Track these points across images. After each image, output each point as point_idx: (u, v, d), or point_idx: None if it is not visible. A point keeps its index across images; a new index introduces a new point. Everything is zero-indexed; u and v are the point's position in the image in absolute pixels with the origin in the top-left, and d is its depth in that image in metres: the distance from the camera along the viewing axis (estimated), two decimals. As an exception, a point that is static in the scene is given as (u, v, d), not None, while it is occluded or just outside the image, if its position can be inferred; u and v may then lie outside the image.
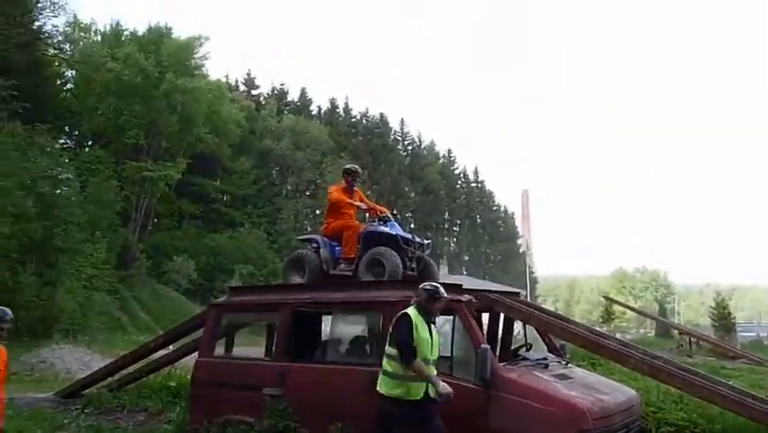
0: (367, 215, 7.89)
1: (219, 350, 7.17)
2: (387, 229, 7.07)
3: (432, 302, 5.07)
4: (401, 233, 7.11)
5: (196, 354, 7.24)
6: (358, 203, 7.56)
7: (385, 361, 5.00)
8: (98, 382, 9.47)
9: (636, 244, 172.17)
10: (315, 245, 7.38)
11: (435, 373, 4.99)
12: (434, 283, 5.26)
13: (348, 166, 8.07)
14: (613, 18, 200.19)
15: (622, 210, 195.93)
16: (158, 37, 38.98)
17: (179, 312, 30.64)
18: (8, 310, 4.92)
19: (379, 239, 6.96)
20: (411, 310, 5.03)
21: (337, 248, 7.28)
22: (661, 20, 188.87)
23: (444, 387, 4.78)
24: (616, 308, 44.10)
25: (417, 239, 7.30)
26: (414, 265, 7.10)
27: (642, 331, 51.84)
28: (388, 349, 4.99)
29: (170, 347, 9.93)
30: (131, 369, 9.56)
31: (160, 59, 36.95)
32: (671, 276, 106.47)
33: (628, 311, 50.10)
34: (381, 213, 7.49)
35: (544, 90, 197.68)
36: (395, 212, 7.77)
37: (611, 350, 6.03)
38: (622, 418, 5.18)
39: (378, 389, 4.99)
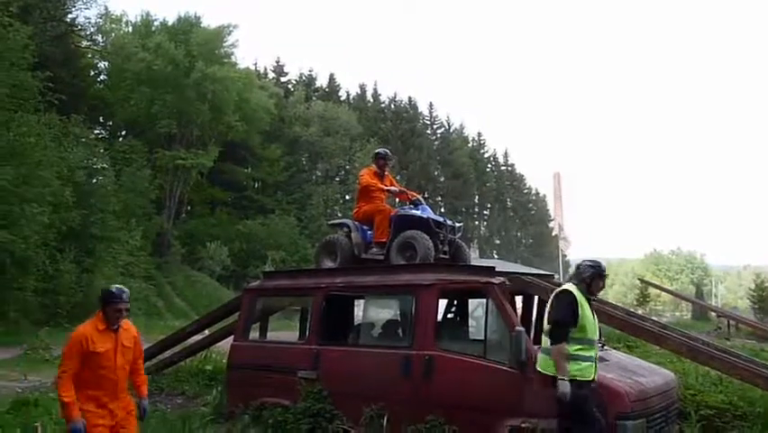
0: (397, 199, 7.87)
1: (254, 334, 7.26)
2: (418, 212, 7.03)
3: (596, 279, 4.82)
4: (432, 216, 7.06)
5: (231, 339, 7.35)
6: (389, 186, 7.51)
7: (547, 340, 4.75)
8: (137, 366, 9.67)
9: (671, 226, 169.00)
10: (346, 230, 7.39)
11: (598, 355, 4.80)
12: (596, 259, 5.00)
13: (379, 149, 8.04)
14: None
15: (656, 192, 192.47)
16: (187, 26, 39.19)
17: (214, 298, 31.11)
18: (125, 288, 4.54)
19: (411, 223, 6.92)
20: (572, 287, 4.79)
21: (368, 232, 7.27)
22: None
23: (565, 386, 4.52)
24: (651, 290, 43.42)
25: (449, 222, 7.25)
26: (446, 248, 7.05)
27: (677, 314, 50.87)
28: (547, 327, 4.78)
29: (206, 332, 10.09)
30: (168, 353, 9.75)
31: (190, 48, 37.16)
32: (707, 258, 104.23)
33: (663, 294, 49.28)
34: (412, 197, 7.46)
35: (575, 72, 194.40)
36: (426, 195, 7.70)
37: (650, 332, 5.94)
38: (660, 400, 5.10)
39: (540, 369, 4.73)
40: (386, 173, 7.70)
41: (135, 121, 38.39)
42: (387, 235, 7.02)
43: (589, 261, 4.94)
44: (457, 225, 7.40)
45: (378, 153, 7.84)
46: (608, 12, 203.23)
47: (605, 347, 6.19)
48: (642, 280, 44.08)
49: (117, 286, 4.54)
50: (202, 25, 40.04)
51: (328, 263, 7.25)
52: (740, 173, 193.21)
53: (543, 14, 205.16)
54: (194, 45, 37.45)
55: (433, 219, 6.97)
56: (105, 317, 4.41)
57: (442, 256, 6.89)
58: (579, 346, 4.64)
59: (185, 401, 8.35)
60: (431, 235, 6.74)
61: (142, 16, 40.29)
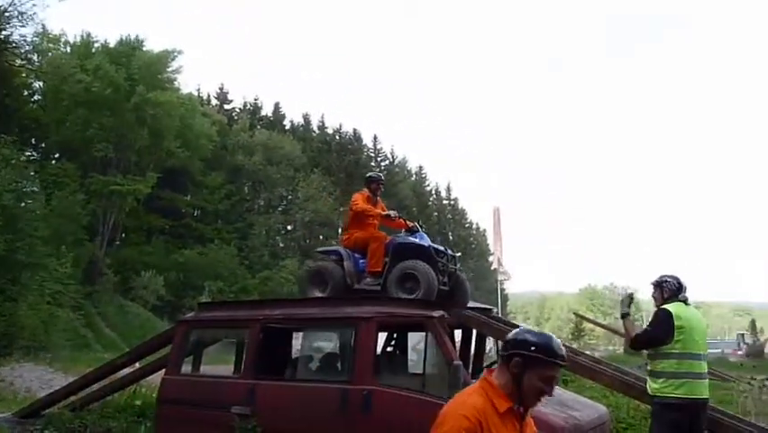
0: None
1: (187, 368, 6.99)
2: (417, 240, 6.64)
3: None
4: (433, 244, 6.68)
5: (162, 372, 7.06)
6: (389, 212, 7.16)
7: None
8: (60, 402, 9.15)
9: (606, 262, 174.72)
10: (334, 258, 6.94)
11: None
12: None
13: (371, 174, 7.73)
14: (586, 31, 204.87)
15: (592, 228, 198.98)
16: (129, 49, 38.67)
17: (147, 329, 30.10)
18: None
19: (410, 251, 6.50)
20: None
21: (361, 261, 6.79)
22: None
23: None
24: (585, 324, 44.55)
25: (449, 252, 6.87)
26: (445, 280, 6.60)
27: (611, 348, 52.26)
28: None
29: (137, 365, 9.68)
30: (94, 387, 9.26)
31: (132, 71, 36.61)
32: (639, 293, 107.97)
33: (597, 328, 50.62)
34: (410, 224, 7.01)
35: (516, 108, 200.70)
36: (421, 224, 7.31)
37: (584, 366, 6.04)
38: (594, 435, 5.18)
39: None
40: (378, 198, 7.36)
41: (70, 144, 37.26)
42: (382, 265, 6.56)
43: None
44: (458, 254, 7.04)
45: (371, 177, 7.51)
46: (546, 46, 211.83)
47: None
48: (576, 315, 45.22)
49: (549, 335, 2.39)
50: (144, 49, 39.50)
51: (317, 293, 6.77)
52: (673, 211, 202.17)
53: (485, 52, 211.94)
54: (135, 69, 36.92)
55: (434, 248, 6.59)
56: (521, 387, 2.30)
57: (441, 288, 6.41)
58: None
59: (110, 439, 7.93)
60: (432, 266, 6.33)
61: (83, 37, 39.49)
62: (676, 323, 4.91)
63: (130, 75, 36.29)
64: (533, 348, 2.27)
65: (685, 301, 5.16)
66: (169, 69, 40.68)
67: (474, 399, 2.31)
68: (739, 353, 42.32)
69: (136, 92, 35.63)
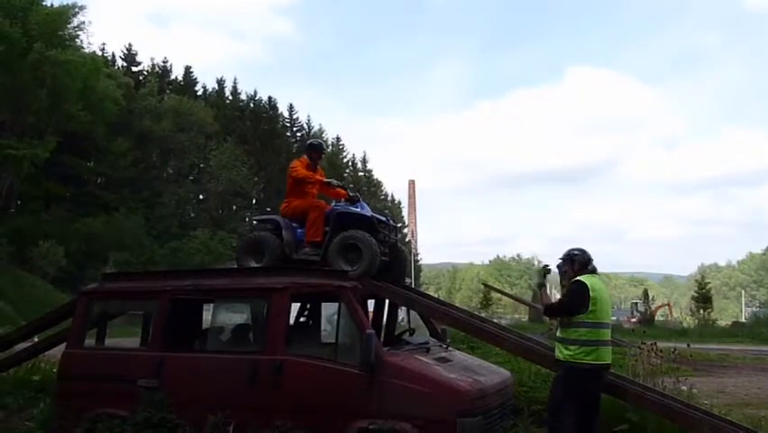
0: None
1: (90, 341, 6.74)
2: (360, 210, 6.53)
3: None
4: (375, 214, 6.60)
5: (63, 346, 6.78)
6: (330, 180, 6.99)
7: None
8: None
9: (514, 234, 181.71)
10: (270, 227, 6.72)
11: None
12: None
13: (312, 141, 7.54)
14: None
15: (503, 201, 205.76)
16: (26, 3, 35.88)
17: (46, 301, 28.55)
18: None
19: (352, 221, 6.37)
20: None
21: (299, 230, 6.60)
22: None
23: None
24: (493, 294, 46.30)
25: (391, 222, 6.81)
26: (386, 250, 6.50)
27: (516, 316, 54.52)
28: None
29: (35, 339, 9.23)
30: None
31: (29, 27, 34.03)
32: (552, 265, 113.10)
33: (505, 297, 52.71)
34: (352, 194, 6.88)
35: (432, 79, 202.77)
36: (358, 193, 7.10)
37: (489, 333, 6.30)
38: (497, 398, 5.43)
39: None
40: (317, 167, 7.12)
41: (-42, 104, 34.38)
42: (322, 235, 6.39)
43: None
44: (399, 225, 7.03)
45: (312, 145, 7.30)
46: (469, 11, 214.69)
47: (449, 348, 6.48)
48: (485, 285, 46.89)
49: None
50: (43, 3, 36.86)
51: (253, 264, 6.53)
52: (573, 186, 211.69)
53: (398, 20, 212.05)
54: (33, 24, 34.34)
55: (376, 218, 6.50)
56: None
57: (382, 258, 6.29)
58: None
59: (6, 416, 7.56)
60: (374, 237, 6.20)
61: (-30, -11, 36.17)
62: (591, 294, 5.21)
63: (27, 31, 33.74)
64: None
65: (594, 272, 5.47)
66: (71, 26, 38.09)
67: None
68: (633, 320, 45.37)
69: (34, 49, 33.24)
